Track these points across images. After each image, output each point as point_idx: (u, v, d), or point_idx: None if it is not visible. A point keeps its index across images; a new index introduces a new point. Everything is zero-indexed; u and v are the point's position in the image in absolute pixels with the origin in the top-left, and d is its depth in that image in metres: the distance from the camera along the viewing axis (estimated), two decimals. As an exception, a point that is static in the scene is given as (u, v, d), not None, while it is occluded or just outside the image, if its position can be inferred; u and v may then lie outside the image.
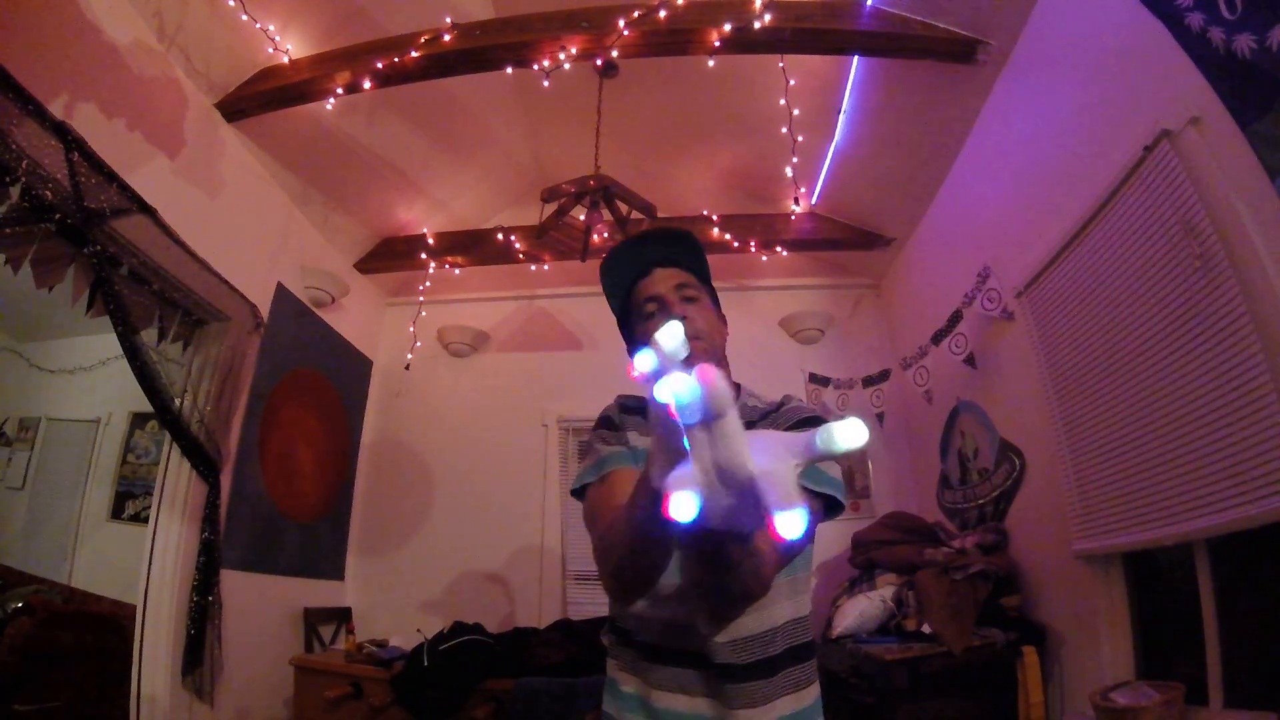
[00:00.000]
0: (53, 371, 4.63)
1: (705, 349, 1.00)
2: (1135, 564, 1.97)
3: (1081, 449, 2.03)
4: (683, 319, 1.00)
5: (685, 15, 2.33)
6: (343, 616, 3.31)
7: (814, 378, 3.55)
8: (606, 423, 1.06)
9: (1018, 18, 2.17)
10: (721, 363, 1.05)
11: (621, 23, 2.33)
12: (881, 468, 3.51)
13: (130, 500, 4.11)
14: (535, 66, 2.48)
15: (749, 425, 0.92)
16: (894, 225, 3.39)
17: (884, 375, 3.50)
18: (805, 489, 0.81)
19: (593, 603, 3.38)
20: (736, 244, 3.41)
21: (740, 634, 0.93)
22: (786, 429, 0.97)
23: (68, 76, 1.96)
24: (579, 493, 1.00)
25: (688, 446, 0.43)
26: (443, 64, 2.51)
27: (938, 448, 3.09)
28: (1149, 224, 1.69)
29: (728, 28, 2.29)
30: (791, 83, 2.68)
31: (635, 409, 1.08)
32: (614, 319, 1.14)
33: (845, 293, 3.89)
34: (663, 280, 1.05)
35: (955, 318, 2.80)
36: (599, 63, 2.59)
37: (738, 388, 1.08)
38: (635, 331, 1.08)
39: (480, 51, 2.46)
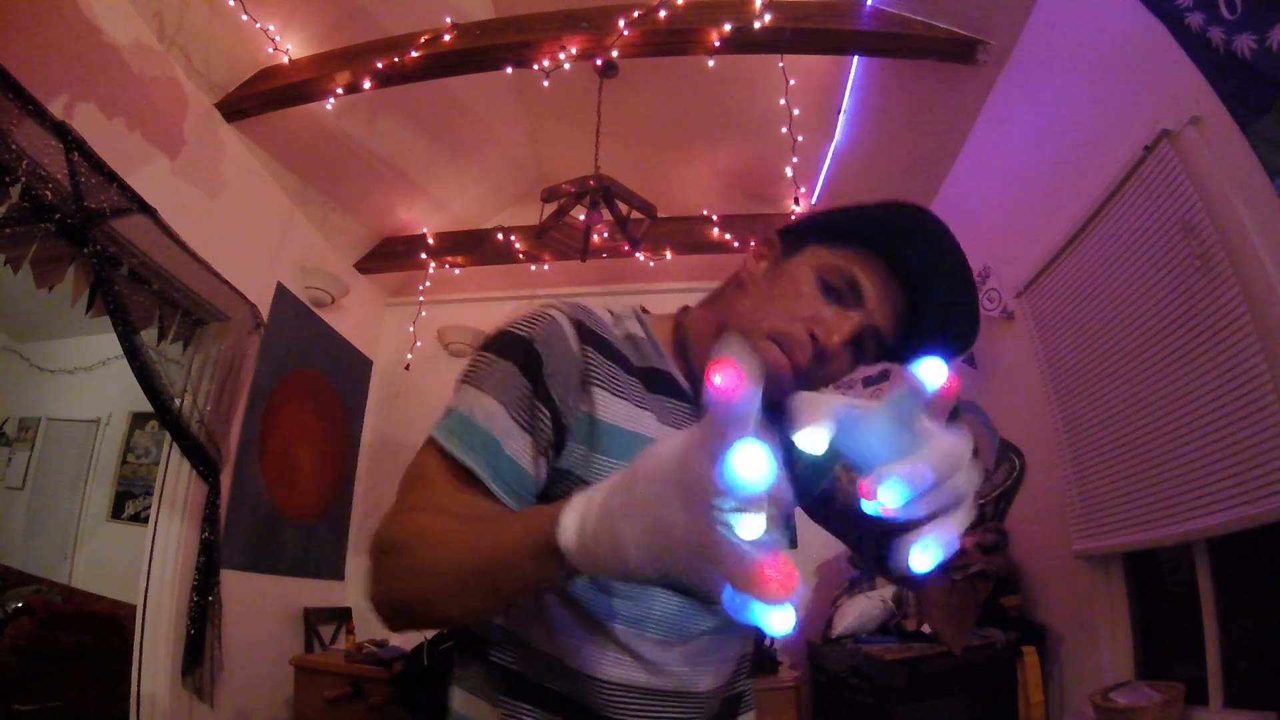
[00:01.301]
0: (53, 371, 4.63)
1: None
2: (1135, 564, 1.97)
3: (1081, 449, 2.03)
4: (827, 360, 0.65)
5: (685, 15, 2.33)
6: (343, 616, 3.31)
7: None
8: (519, 350, 0.62)
9: (1018, 18, 2.17)
10: None
11: (621, 23, 2.33)
12: (881, 468, 3.50)
13: (130, 500, 4.11)
14: (535, 66, 2.48)
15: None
16: (894, 225, 3.38)
17: (884, 375, 3.49)
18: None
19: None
20: (737, 244, 3.40)
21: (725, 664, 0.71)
22: None
23: (68, 76, 1.96)
24: (430, 441, 0.60)
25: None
26: (443, 64, 2.51)
27: (938, 448, 3.08)
28: (1149, 224, 1.69)
29: (728, 28, 2.28)
30: (791, 83, 2.68)
31: (596, 335, 0.67)
32: None
33: (845, 293, 3.89)
34: (889, 306, 0.67)
35: (955, 318, 2.80)
36: (599, 63, 2.58)
37: None
38: (796, 266, 0.69)
39: (480, 51, 2.46)
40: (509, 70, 2.57)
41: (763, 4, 2.27)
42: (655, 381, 0.69)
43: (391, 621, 0.53)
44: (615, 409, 0.65)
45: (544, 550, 0.41)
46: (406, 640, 2.85)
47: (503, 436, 0.59)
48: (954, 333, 0.67)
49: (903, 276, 0.67)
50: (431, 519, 0.54)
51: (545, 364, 0.62)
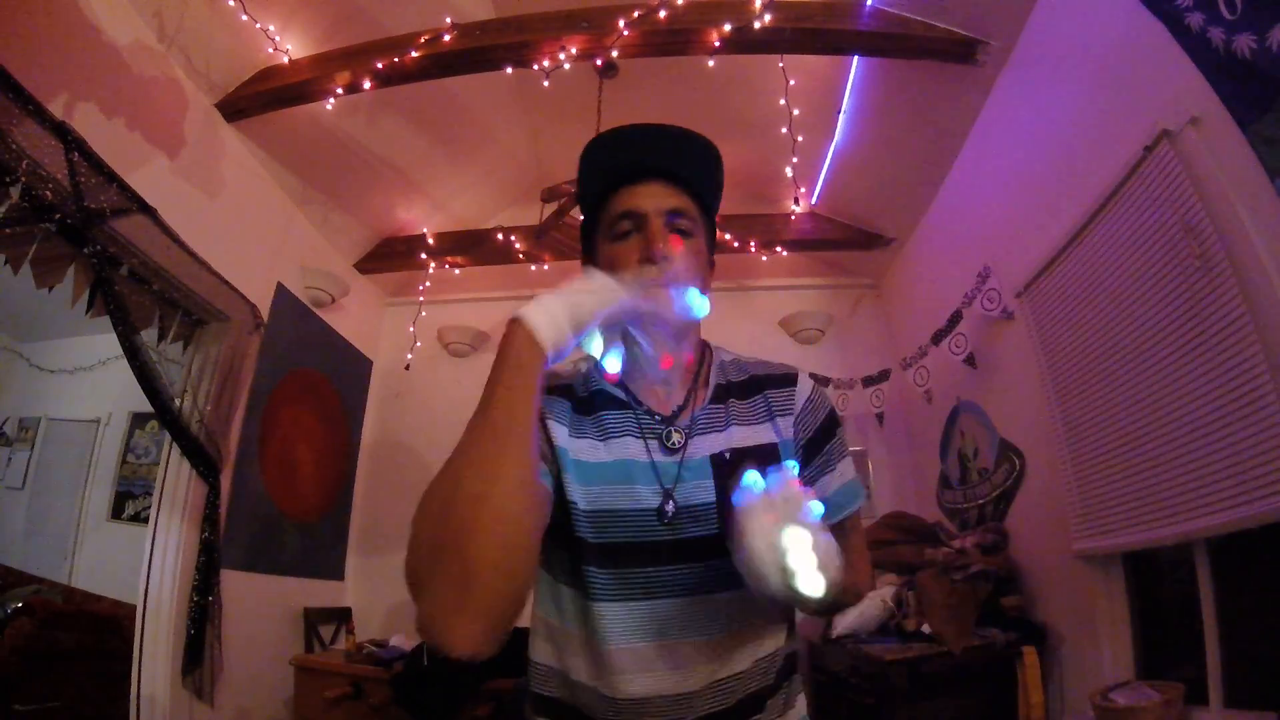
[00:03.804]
0: (53, 371, 4.62)
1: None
2: (1135, 564, 1.97)
3: (1081, 449, 2.03)
4: (663, 259, 0.81)
5: (685, 15, 2.33)
6: (343, 616, 3.31)
7: (814, 378, 3.52)
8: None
9: (1018, 18, 2.17)
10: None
11: (621, 23, 2.33)
12: (881, 468, 3.51)
13: (130, 500, 4.10)
14: (535, 66, 2.48)
15: (719, 399, 0.92)
16: (894, 225, 3.39)
17: (884, 375, 3.49)
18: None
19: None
20: (736, 244, 3.41)
21: (737, 667, 0.81)
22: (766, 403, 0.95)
23: (68, 76, 1.96)
24: None
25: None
26: (443, 64, 2.50)
27: (938, 448, 3.09)
28: (1149, 224, 1.69)
29: (728, 28, 2.29)
30: (791, 83, 2.68)
31: (557, 389, 0.89)
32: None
33: (845, 293, 3.89)
34: (652, 196, 0.85)
35: (955, 318, 2.80)
36: (599, 63, 2.58)
37: (705, 349, 0.97)
38: (598, 246, 0.89)
39: (480, 51, 2.46)
40: (509, 70, 2.57)
41: (763, 4, 2.27)
42: (600, 401, 0.89)
43: (420, 570, 0.63)
44: (557, 432, 0.86)
45: (519, 347, 0.68)
46: (407, 640, 2.86)
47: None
48: (685, 152, 0.88)
49: (638, 173, 0.86)
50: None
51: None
